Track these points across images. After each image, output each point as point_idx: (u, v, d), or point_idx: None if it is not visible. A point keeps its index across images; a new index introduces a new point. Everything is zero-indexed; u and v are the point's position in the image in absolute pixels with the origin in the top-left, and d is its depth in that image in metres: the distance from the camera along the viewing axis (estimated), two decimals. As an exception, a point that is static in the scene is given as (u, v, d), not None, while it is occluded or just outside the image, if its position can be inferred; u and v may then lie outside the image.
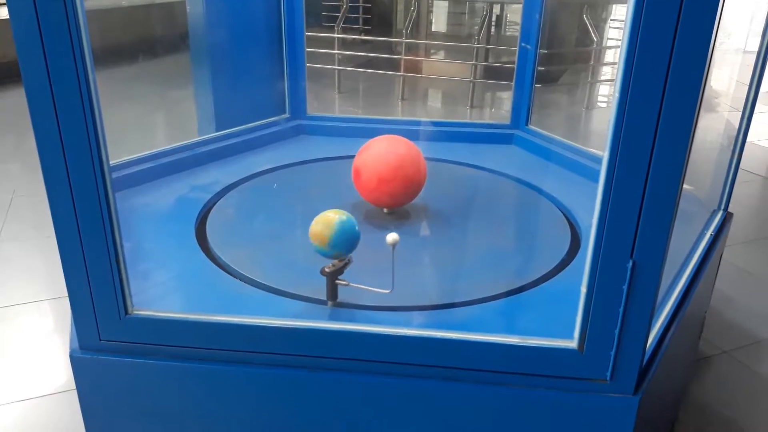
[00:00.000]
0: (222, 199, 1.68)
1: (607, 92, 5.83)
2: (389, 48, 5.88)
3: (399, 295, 1.25)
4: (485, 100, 5.28)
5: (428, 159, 1.59)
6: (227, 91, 2.31)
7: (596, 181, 1.84)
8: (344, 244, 1.15)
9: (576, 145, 2.01)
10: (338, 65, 5.03)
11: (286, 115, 2.22)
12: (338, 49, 5.05)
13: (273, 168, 1.91)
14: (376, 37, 6.03)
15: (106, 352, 1.05)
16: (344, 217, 1.16)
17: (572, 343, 0.92)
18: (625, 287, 0.86)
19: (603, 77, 5.61)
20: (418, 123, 2.22)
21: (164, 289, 1.27)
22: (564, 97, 5.40)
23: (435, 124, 2.31)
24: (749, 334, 2.24)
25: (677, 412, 1.72)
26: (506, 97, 5.32)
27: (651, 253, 0.84)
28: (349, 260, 1.17)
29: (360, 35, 6.17)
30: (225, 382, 1.07)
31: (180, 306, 1.20)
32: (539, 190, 1.78)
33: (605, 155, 0.83)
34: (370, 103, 5.17)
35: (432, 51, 6.28)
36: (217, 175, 1.83)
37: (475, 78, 4.89)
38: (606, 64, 5.58)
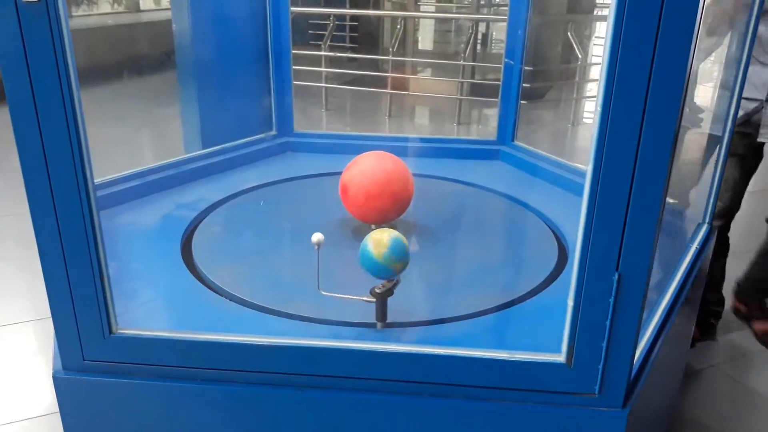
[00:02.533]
0: (208, 217, 1.68)
1: (592, 108, 5.89)
2: (376, 66, 5.92)
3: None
4: (472, 116, 5.32)
5: (415, 175, 1.59)
6: (213, 109, 2.31)
7: (582, 195, 1.87)
8: (402, 256, 1.14)
9: (561, 160, 2.02)
10: (325, 83, 5.05)
11: (273, 132, 2.22)
12: (325, 67, 5.07)
13: (259, 185, 1.91)
14: (363, 55, 6.07)
15: (90, 372, 1.04)
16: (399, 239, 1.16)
17: (560, 357, 0.92)
18: (611, 300, 0.86)
19: (588, 93, 5.67)
20: (405, 139, 2.24)
21: (150, 308, 1.26)
22: (549, 114, 5.46)
23: (422, 140, 2.32)
24: (737, 347, 2.25)
25: (666, 426, 1.72)
26: (492, 114, 5.36)
27: (636, 266, 0.84)
28: (398, 280, 1.15)
29: (347, 53, 6.20)
30: (212, 401, 1.06)
31: (166, 325, 1.19)
32: (526, 205, 1.79)
33: (589, 169, 0.83)
34: (357, 120, 5.20)
35: (418, 69, 6.33)
36: (203, 193, 1.82)
37: (461, 95, 4.92)
38: (591, 80, 5.64)
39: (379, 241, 1.12)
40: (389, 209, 1.52)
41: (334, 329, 1.17)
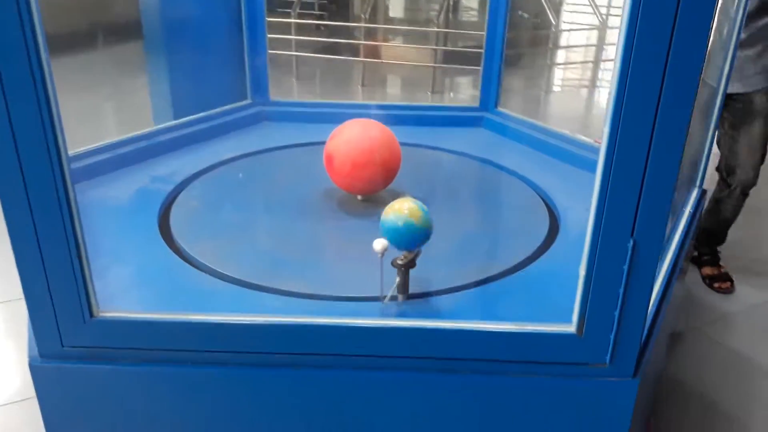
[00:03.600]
0: (185, 190, 1.59)
1: (563, 76, 5.88)
2: (347, 34, 5.78)
3: (375, 282, 1.19)
4: (446, 85, 5.25)
5: (399, 144, 1.53)
6: (184, 77, 2.21)
7: (569, 161, 1.83)
8: (428, 229, 1.07)
9: (547, 126, 1.99)
10: (295, 51, 4.91)
11: (248, 101, 2.12)
12: (295, 35, 4.93)
13: (237, 156, 1.82)
14: (334, 22, 5.91)
15: (70, 359, 0.97)
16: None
17: (570, 328, 0.88)
18: (625, 267, 0.82)
19: (558, 61, 5.64)
20: (385, 107, 2.17)
21: (128, 287, 1.18)
22: (522, 82, 5.42)
23: (403, 108, 2.26)
24: (715, 309, 2.28)
25: (656, 390, 1.72)
26: (467, 82, 5.30)
27: (651, 232, 0.81)
28: (419, 251, 1.09)
29: (318, 20, 6.04)
30: (201, 385, 1.00)
31: (149, 306, 1.11)
32: (513, 173, 1.75)
33: (605, 132, 0.79)
34: (330, 90, 5.08)
35: (390, 36, 6.21)
36: (177, 166, 1.73)
37: (435, 63, 4.84)
38: (562, 47, 5.62)
39: (412, 209, 1.06)
40: (377, 179, 1.46)
41: (325, 304, 1.12)
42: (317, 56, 5.03)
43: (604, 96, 5.58)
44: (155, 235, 1.36)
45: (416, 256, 1.08)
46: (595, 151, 1.80)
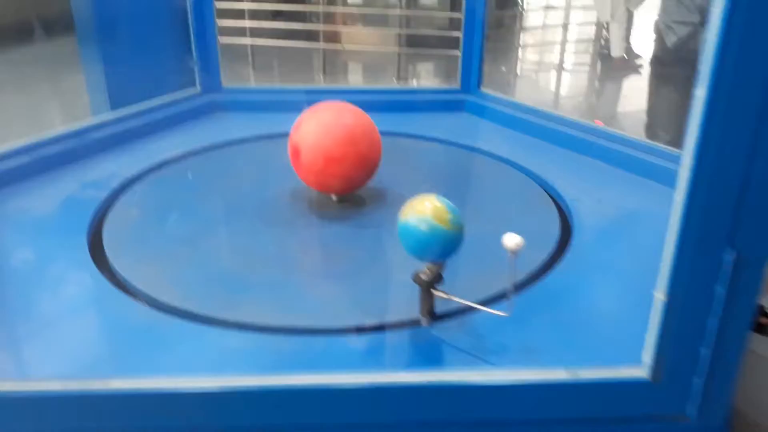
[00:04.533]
0: (122, 198, 1.32)
1: (531, 59, 5.71)
2: (305, 20, 5.47)
3: (365, 309, 0.95)
4: (410, 71, 5.03)
5: (378, 132, 1.28)
6: (121, 64, 1.92)
7: (569, 146, 1.61)
8: (460, 234, 0.84)
9: (539, 108, 1.77)
10: (250, 38, 4.59)
11: (197, 89, 1.85)
12: (249, 20, 4.61)
13: (185, 154, 1.55)
14: (290, 5, 5.56)
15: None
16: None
17: (641, 372, 0.66)
18: (723, 289, 0.60)
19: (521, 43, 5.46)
20: (355, 91, 1.91)
21: (36, 334, 0.91)
22: (489, 66, 5.22)
23: (373, 92, 2.01)
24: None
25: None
26: (432, 68, 5.09)
27: (756, 241, 0.58)
28: (443, 264, 0.86)
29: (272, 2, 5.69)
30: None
31: (60, 363, 0.83)
32: (509, 162, 1.52)
33: (698, 106, 0.55)
34: (289, 80, 4.80)
35: (348, 22, 5.92)
36: (114, 167, 1.46)
37: (400, 47, 4.60)
38: (527, 29, 5.44)
39: (438, 209, 0.82)
40: (355, 174, 1.22)
41: (301, 342, 0.87)
42: (274, 43, 4.72)
43: (573, 78, 5.43)
44: (84, 257, 1.09)
45: (441, 267, 0.85)
46: (598, 133, 1.60)
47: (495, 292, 0.93)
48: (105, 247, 1.12)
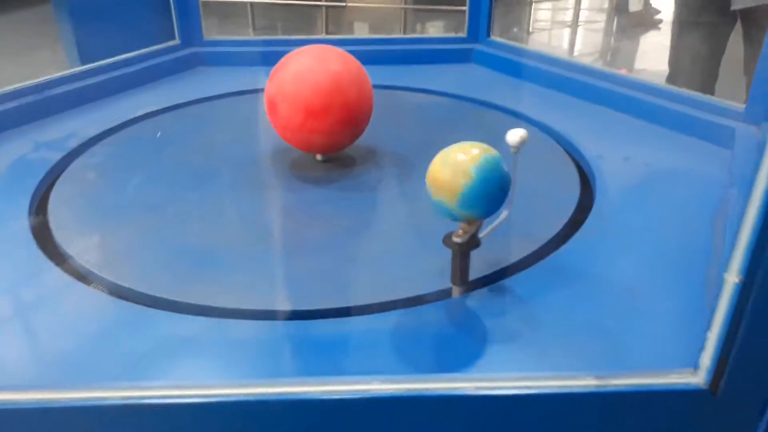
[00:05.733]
0: (78, 160, 1.16)
1: (543, 17, 5.45)
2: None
3: (353, 291, 0.80)
4: (417, 30, 4.80)
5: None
6: (92, 16, 1.73)
7: (591, 99, 1.42)
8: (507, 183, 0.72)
9: (557, 56, 1.58)
10: (249, -2, 4.38)
11: (176, 42, 1.67)
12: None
13: (157, 111, 1.38)
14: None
15: None
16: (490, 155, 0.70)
17: (695, 377, 0.49)
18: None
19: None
20: (352, 42, 1.72)
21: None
22: (500, 22, 4.97)
23: (372, 42, 1.82)
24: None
25: None
26: (441, 27, 4.86)
27: None
28: (482, 221, 0.73)
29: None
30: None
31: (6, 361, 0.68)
32: (522, 116, 1.34)
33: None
34: (290, 39, 4.59)
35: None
36: (75, 126, 1.29)
37: (406, 5, 4.36)
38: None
39: (486, 150, 0.70)
40: (342, 130, 1.04)
41: (283, 327, 0.72)
42: (274, 2, 4.50)
43: (588, 35, 5.17)
44: (23, 227, 0.94)
45: (478, 228, 0.72)
46: (623, 83, 1.41)
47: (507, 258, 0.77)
48: (49, 216, 0.96)
